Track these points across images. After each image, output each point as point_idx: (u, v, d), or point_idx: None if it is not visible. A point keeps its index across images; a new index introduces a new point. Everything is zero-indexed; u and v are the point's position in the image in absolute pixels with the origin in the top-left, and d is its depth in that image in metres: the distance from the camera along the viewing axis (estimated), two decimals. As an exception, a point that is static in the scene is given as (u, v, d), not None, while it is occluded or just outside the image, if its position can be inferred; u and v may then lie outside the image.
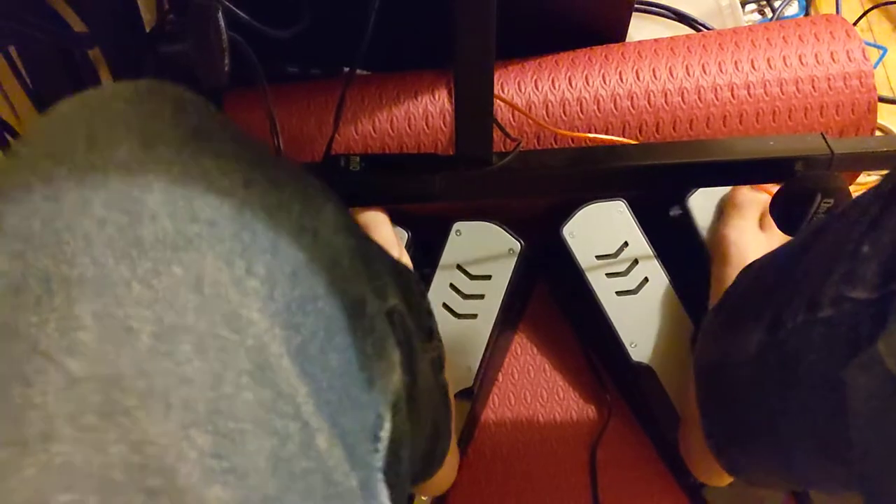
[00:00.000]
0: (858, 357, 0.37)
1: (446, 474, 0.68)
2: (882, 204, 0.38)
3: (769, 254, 0.55)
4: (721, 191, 0.72)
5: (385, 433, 0.33)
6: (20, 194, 0.26)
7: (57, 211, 0.25)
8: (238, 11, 0.53)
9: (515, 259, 0.71)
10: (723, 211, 0.71)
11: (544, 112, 0.69)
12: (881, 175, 0.80)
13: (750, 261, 0.58)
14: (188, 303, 0.25)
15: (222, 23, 0.50)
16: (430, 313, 0.56)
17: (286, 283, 0.27)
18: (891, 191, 0.38)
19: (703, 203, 0.72)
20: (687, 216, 0.72)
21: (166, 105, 0.29)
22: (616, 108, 0.69)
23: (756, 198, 0.69)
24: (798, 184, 0.60)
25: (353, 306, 0.32)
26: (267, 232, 0.28)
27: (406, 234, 0.72)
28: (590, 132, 0.69)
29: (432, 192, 0.61)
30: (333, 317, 0.30)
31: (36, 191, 0.26)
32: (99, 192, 0.25)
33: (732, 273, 0.62)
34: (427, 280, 0.71)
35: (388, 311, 0.38)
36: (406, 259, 0.69)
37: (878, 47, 0.94)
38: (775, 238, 0.67)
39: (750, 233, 0.67)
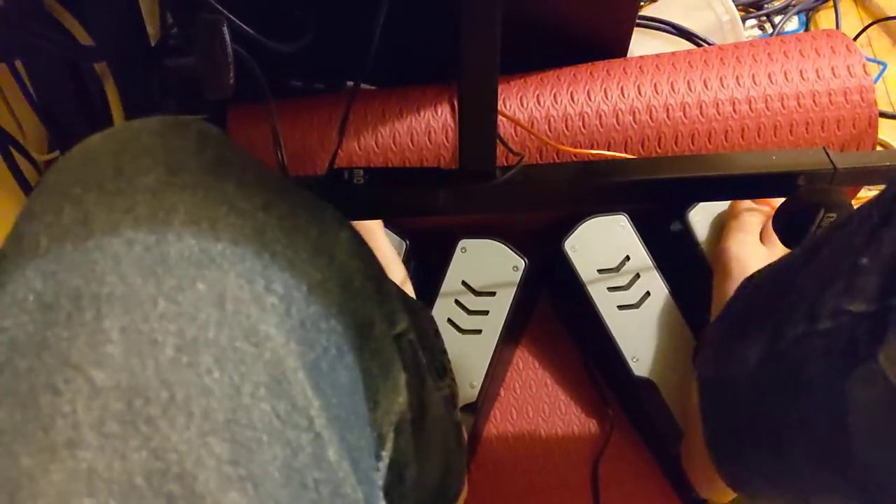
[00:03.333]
0: (858, 369, 0.37)
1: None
2: (881, 216, 0.38)
3: (769, 265, 0.55)
4: (721, 206, 0.73)
5: (386, 452, 0.34)
6: (52, 217, 0.27)
7: (87, 233, 0.27)
8: (243, 26, 0.53)
9: (519, 276, 0.71)
10: (724, 225, 0.71)
11: (546, 127, 0.69)
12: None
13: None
14: (210, 317, 0.26)
15: (227, 37, 0.51)
16: (443, 352, 0.56)
17: (302, 300, 0.29)
18: (889, 203, 0.39)
19: (702, 218, 0.73)
20: (687, 231, 0.73)
21: (190, 137, 0.31)
22: (618, 124, 0.69)
23: (757, 212, 0.69)
24: (801, 198, 0.60)
25: (363, 327, 0.33)
26: (285, 252, 0.29)
27: (404, 245, 0.72)
28: (592, 147, 0.69)
29: (436, 206, 0.61)
30: (344, 335, 0.31)
31: (67, 215, 0.27)
32: (127, 215, 0.27)
33: (734, 286, 0.62)
34: (432, 296, 0.71)
35: (396, 335, 0.39)
36: (403, 270, 0.69)
37: (878, 63, 0.94)
38: (777, 252, 0.67)
39: (751, 246, 0.67)
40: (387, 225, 0.73)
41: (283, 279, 0.28)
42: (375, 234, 0.70)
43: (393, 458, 0.35)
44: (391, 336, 0.38)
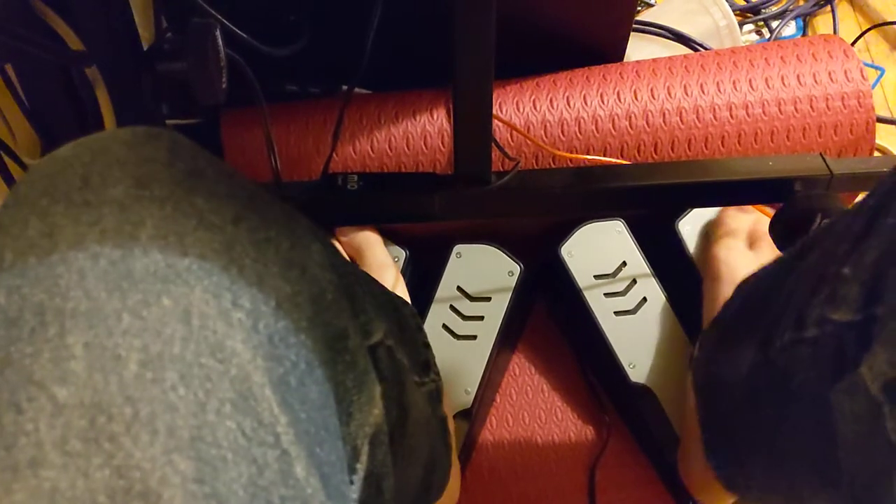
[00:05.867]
0: (843, 380, 0.37)
1: (447, 501, 0.67)
2: (864, 223, 0.38)
3: (760, 270, 0.55)
4: (710, 214, 0.72)
5: (361, 465, 0.34)
6: (18, 230, 0.27)
7: (52, 246, 0.26)
8: (237, 30, 0.53)
9: (515, 282, 0.71)
10: (711, 232, 0.71)
11: (542, 132, 0.69)
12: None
13: (740, 279, 0.58)
14: (175, 333, 0.25)
15: (220, 41, 0.50)
16: (426, 346, 0.56)
17: (270, 315, 0.28)
18: (873, 209, 0.38)
19: (692, 226, 0.72)
20: (677, 240, 0.72)
21: (162, 148, 0.30)
22: (614, 129, 0.69)
23: (744, 218, 0.69)
24: (798, 204, 0.60)
25: (335, 340, 0.33)
26: (254, 266, 0.29)
27: (403, 254, 0.71)
28: (588, 152, 0.69)
29: (431, 212, 0.61)
30: (315, 349, 0.31)
31: (32, 227, 0.27)
32: (93, 228, 0.27)
33: (723, 290, 0.62)
34: (427, 301, 0.71)
35: (371, 345, 0.39)
36: (401, 281, 0.69)
37: (876, 68, 0.94)
38: (763, 255, 0.67)
39: (739, 252, 0.67)
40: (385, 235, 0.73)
41: (251, 294, 0.28)
42: (370, 240, 0.70)
43: (369, 470, 0.35)
44: (366, 348, 0.38)
